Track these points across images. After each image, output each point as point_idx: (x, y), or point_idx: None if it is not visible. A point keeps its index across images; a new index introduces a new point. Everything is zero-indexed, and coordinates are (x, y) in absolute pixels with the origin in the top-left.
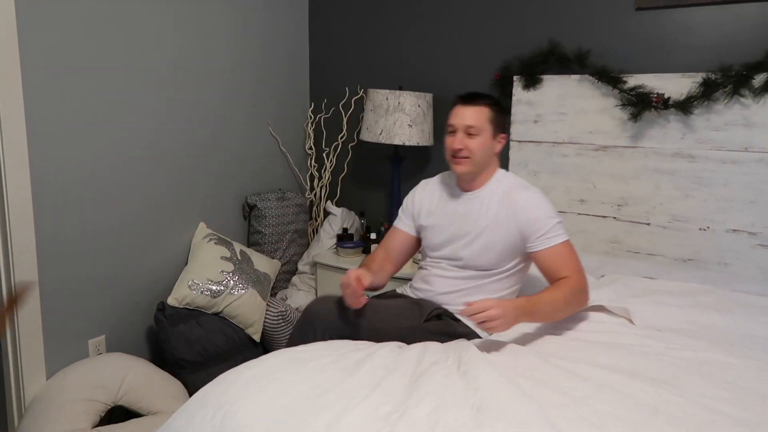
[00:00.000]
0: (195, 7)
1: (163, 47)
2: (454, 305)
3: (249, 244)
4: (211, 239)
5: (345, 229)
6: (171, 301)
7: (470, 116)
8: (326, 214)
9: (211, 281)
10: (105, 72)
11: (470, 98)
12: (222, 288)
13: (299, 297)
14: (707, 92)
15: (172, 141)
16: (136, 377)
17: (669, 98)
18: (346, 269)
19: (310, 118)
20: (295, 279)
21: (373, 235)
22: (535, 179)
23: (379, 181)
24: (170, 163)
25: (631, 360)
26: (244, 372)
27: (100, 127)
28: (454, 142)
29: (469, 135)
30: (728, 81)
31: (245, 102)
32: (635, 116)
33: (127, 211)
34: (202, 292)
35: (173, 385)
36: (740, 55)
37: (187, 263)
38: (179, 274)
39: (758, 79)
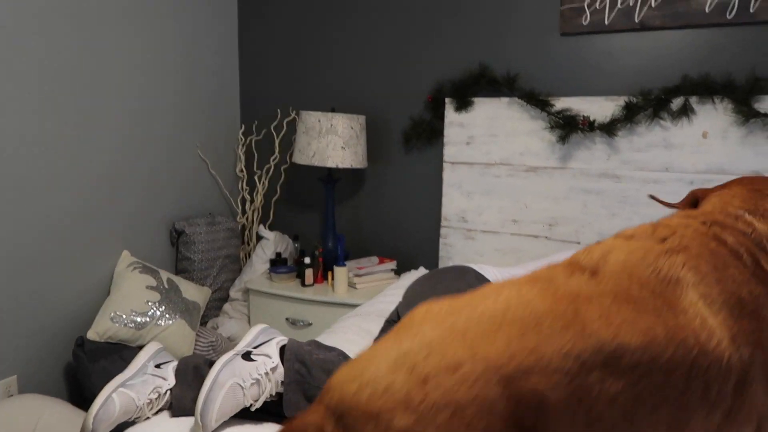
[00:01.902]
0: (118, 25)
1: (82, 65)
2: None
3: (177, 272)
4: (135, 268)
5: (278, 254)
6: (91, 335)
7: None
8: (259, 238)
9: (136, 312)
10: (15, 89)
11: None
12: (147, 319)
13: (231, 325)
14: (629, 115)
15: (92, 165)
16: (51, 420)
17: (594, 121)
18: (279, 295)
19: (241, 140)
20: (226, 306)
21: (307, 260)
22: (469, 200)
23: (312, 204)
24: (89, 187)
25: None
26: (158, 425)
27: (10, 150)
28: None
29: None
30: (649, 104)
31: (171, 123)
32: (563, 138)
33: (41, 239)
34: (125, 324)
35: None
36: (659, 80)
37: (109, 294)
38: (100, 307)
39: (676, 103)
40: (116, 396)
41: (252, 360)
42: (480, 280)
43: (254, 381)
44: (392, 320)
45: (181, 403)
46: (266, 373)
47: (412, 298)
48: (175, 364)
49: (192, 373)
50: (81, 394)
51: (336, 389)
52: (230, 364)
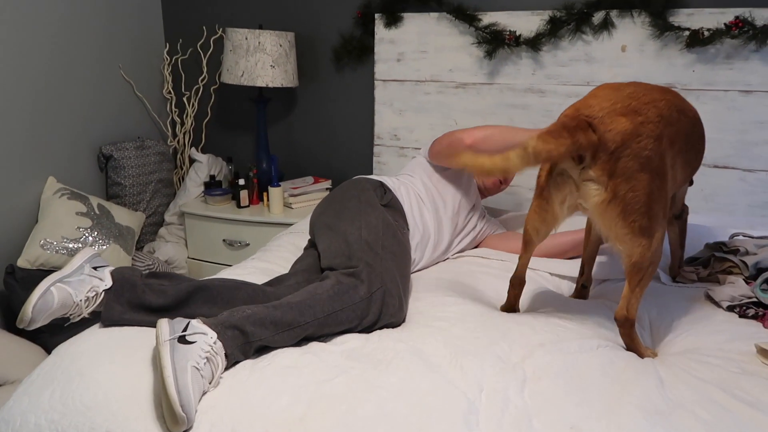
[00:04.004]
0: None
1: None
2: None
3: (108, 197)
4: (63, 194)
5: (212, 176)
6: (21, 263)
7: None
8: (191, 161)
9: (67, 239)
10: None
11: None
12: (80, 245)
13: (168, 249)
14: (554, 29)
15: (10, 89)
16: None
17: (520, 36)
18: (215, 217)
19: (167, 59)
20: (162, 231)
21: (241, 181)
22: (400, 118)
23: (245, 126)
24: (8, 113)
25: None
26: (90, 339)
27: None
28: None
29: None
30: (572, 18)
31: (91, 43)
32: (490, 54)
33: None
34: (57, 251)
35: (31, 350)
36: None
37: (37, 222)
38: (28, 235)
39: (597, 17)
40: (55, 289)
41: (189, 342)
42: (371, 182)
43: (205, 360)
44: (308, 247)
45: (110, 312)
46: (210, 347)
47: (315, 219)
48: (111, 268)
49: (128, 286)
50: (14, 322)
51: (591, 107)
52: (176, 350)
